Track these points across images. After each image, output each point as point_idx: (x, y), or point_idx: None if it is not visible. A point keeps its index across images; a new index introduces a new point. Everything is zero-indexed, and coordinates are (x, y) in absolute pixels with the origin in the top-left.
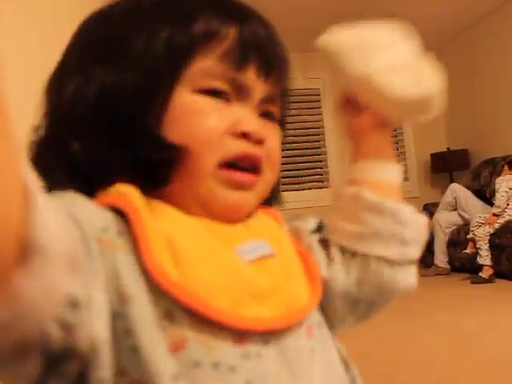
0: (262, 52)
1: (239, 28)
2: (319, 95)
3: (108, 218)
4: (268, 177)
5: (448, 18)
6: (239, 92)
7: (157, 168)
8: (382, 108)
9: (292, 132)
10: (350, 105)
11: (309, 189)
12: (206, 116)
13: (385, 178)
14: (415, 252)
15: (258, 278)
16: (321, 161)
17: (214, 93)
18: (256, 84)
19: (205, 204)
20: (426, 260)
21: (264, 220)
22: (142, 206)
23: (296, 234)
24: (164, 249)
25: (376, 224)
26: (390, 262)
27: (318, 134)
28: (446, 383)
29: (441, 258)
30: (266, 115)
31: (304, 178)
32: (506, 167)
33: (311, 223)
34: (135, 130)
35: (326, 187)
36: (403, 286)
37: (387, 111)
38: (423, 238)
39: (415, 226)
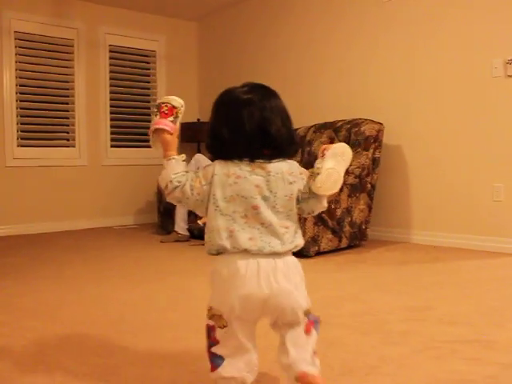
0: None
1: None
2: (73, 46)
3: None
4: None
5: None
6: None
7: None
8: None
9: (40, 83)
10: None
11: (51, 146)
12: None
13: None
14: None
15: None
16: (68, 117)
17: None
18: None
19: None
20: (167, 227)
21: None
22: None
23: None
24: None
25: None
26: None
27: (68, 89)
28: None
29: (181, 226)
30: None
31: (47, 134)
32: None
33: None
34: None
35: (71, 146)
36: None
37: None
38: None
39: None
